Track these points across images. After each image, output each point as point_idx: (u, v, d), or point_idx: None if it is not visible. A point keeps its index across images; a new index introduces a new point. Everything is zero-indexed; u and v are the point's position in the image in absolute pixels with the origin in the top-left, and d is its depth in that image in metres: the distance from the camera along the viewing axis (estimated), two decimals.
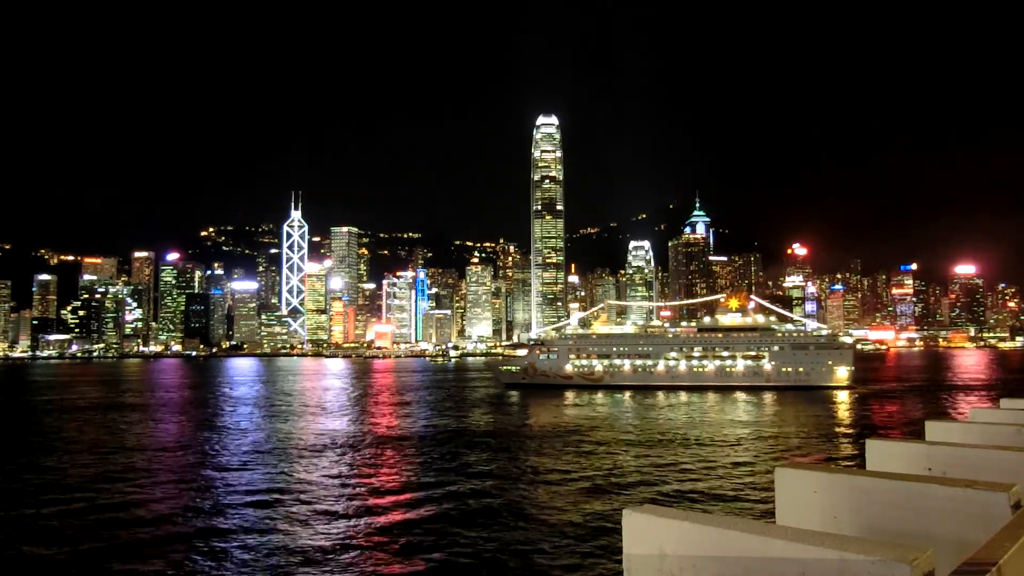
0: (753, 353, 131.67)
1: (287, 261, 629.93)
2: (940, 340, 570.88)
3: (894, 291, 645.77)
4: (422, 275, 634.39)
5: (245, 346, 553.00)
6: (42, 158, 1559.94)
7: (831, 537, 3.48)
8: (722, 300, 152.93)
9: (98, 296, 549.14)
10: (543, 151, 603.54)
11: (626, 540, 4.09)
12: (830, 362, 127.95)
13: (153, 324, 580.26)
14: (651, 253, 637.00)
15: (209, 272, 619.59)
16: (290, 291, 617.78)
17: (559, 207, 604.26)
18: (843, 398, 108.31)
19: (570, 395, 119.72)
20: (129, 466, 51.82)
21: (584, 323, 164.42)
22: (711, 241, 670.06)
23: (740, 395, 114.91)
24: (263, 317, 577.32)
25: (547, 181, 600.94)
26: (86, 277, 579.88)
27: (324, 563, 28.78)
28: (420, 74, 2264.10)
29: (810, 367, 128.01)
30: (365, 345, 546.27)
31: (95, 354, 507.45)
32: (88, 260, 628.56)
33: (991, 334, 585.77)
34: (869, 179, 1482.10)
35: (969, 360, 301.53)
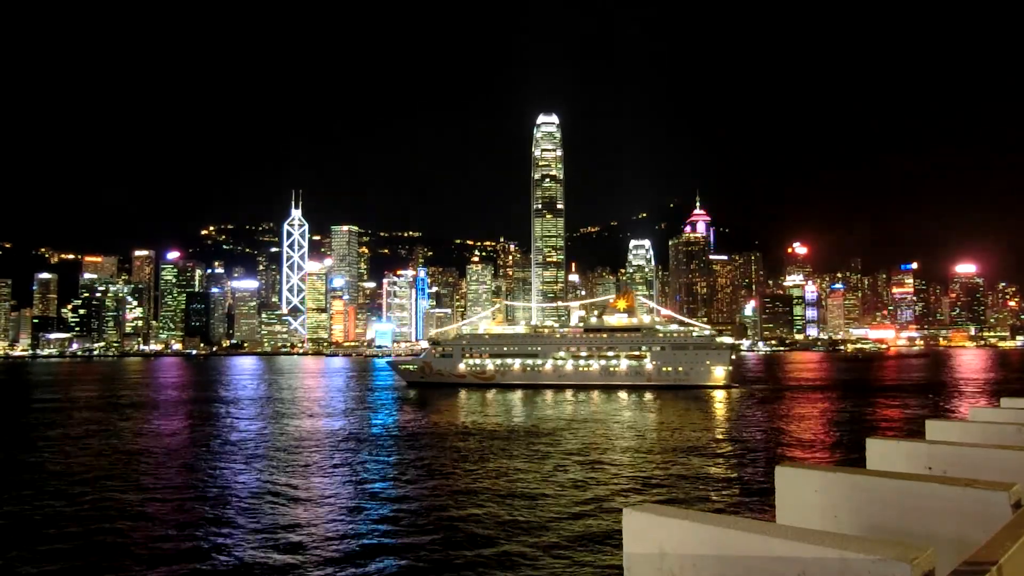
0: (636, 353, 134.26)
1: (287, 260, 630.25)
2: (940, 339, 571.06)
3: (894, 290, 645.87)
4: (422, 274, 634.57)
5: (245, 345, 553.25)
6: (43, 157, 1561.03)
7: (831, 536, 3.47)
8: (611, 301, 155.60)
9: (98, 295, 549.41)
10: (543, 150, 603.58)
11: (626, 539, 4.07)
12: (708, 362, 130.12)
13: (153, 323, 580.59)
14: (651, 252, 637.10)
15: (209, 271, 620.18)
16: (290, 290, 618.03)
17: (559, 206, 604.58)
18: (719, 397, 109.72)
19: (463, 394, 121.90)
20: (121, 465, 51.83)
21: (479, 324, 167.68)
22: (711, 240, 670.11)
23: (623, 394, 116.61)
24: (263, 316, 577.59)
25: (547, 180, 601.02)
26: (86, 276, 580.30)
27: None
28: (420, 73, 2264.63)
29: (689, 367, 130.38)
30: (365, 344, 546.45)
31: (95, 353, 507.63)
32: (88, 259, 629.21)
33: (991, 333, 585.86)
34: (869, 179, 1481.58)
35: (951, 360, 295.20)
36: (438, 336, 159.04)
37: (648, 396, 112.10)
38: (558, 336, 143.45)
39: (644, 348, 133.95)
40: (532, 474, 46.10)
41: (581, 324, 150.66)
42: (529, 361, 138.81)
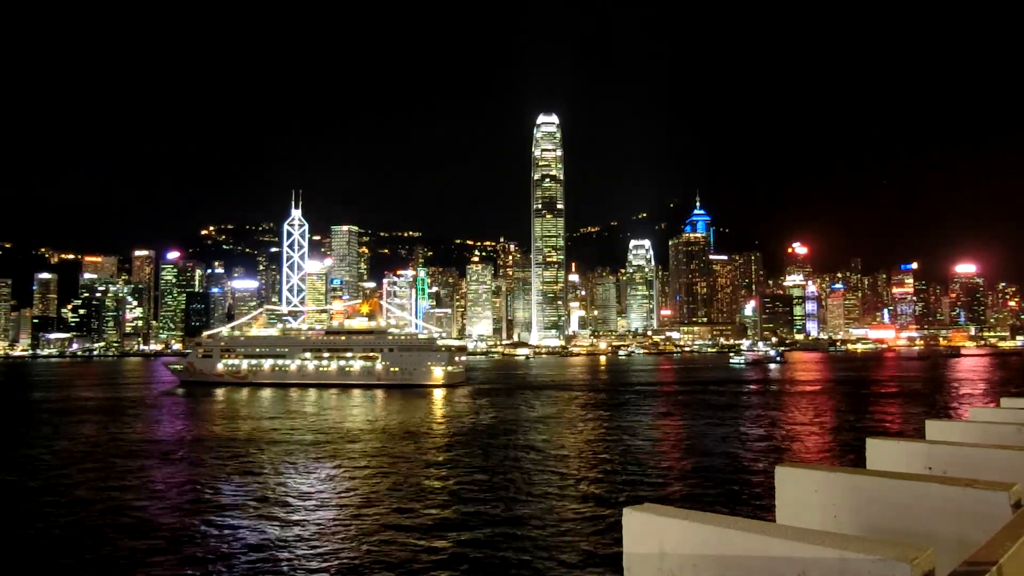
0: (369, 354, 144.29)
1: (287, 260, 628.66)
2: (940, 339, 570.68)
3: (894, 290, 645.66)
4: (422, 274, 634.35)
5: None
6: (42, 157, 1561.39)
7: (831, 536, 3.47)
8: (356, 305, 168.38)
9: (98, 295, 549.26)
10: (544, 150, 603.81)
11: (626, 539, 4.07)
12: (429, 363, 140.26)
13: (153, 323, 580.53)
14: (651, 252, 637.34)
15: (209, 271, 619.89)
16: (290, 290, 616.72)
17: (559, 206, 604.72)
18: (438, 395, 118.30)
19: (220, 392, 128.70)
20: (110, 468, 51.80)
21: (243, 326, 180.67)
22: (711, 240, 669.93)
23: (357, 392, 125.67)
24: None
25: (547, 180, 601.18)
26: (86, 276, 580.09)
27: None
28: (421, 73, 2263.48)
29: (412, 367, 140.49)
30: None
31: (95, 353, 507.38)
32: (88, 259, 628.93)
33: (991, 333, 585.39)
34: (869, 178, 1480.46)
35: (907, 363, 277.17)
36: (204, 337, 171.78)
37: (379, 394, 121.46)
38: (303, 339, 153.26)
39: (375, 350, 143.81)
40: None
41: (324, 327, 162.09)
42: (279, 362, 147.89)
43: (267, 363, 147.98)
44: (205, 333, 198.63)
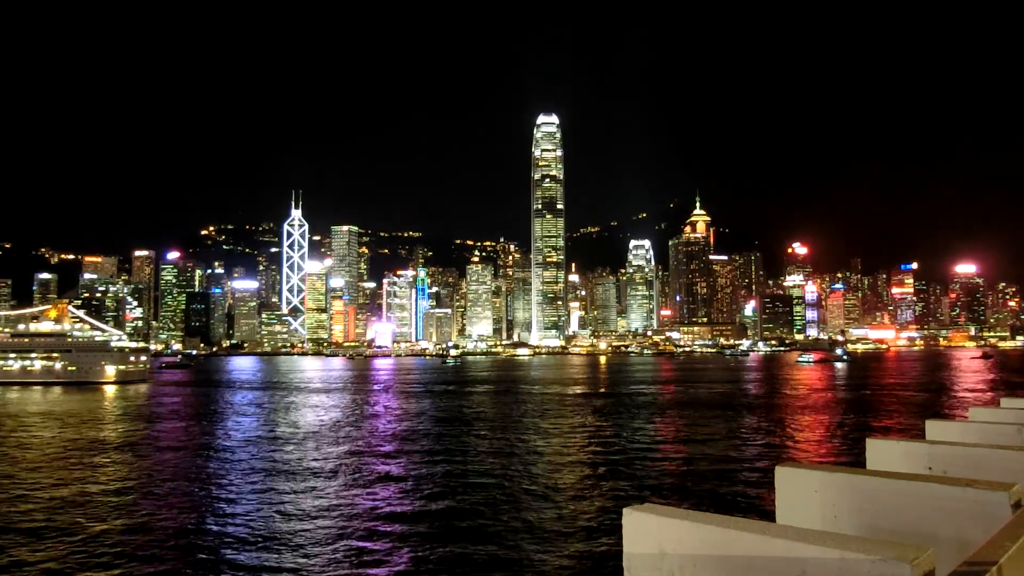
0: (51, 355, 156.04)
1: (287, 260, 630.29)
2: (940, 339, 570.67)
3: (894, 290, 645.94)
4: (422, 274, 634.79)
5: (245, 345, 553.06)
6: (42, 157, 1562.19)
7: (831, 536, 3.48)
8: (46, 310, 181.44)
9: (98, 295, 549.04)
10: (544, 150, 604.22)
11: (626, 539, 4.07)
12: (103, 363, 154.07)
13: (153, 323, 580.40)
14: (651, 252, 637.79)
15: (209, 271, 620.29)
16: (290, 290, 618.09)
17: (559, 206, 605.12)
18: (110, 391, 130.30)
19: None
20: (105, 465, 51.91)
21: None
22: (711, 240, 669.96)
23: (37, 389, 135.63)
24: (263, 316, 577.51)
25: (547, 180, 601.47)
26: (86, 276, 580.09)
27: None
28: (421, 73, 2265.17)
29: (88, 367, 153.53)
30: (365, 344, 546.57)
31: None
32: (88, 259, 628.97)
33: (991, 333, 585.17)
34: (869, 179, 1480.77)
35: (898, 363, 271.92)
36: None
37: (57, 391, 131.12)
38: None
39: (56, 351, 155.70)
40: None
41: (8, 330, 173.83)
42: None
43: None
44: None
